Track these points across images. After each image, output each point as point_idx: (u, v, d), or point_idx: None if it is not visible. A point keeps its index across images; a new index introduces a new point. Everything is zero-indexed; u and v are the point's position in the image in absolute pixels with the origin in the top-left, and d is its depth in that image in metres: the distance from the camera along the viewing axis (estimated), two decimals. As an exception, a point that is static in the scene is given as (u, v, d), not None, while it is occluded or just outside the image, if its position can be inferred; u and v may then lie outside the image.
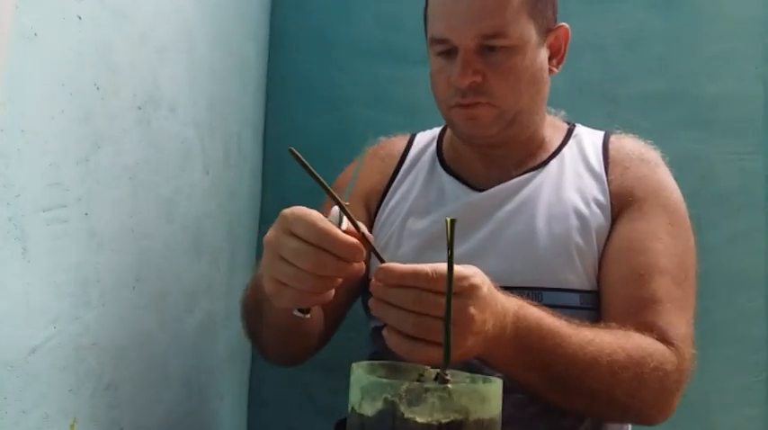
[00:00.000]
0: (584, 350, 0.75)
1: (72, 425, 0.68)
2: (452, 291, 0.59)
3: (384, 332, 0.64)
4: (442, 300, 0.59)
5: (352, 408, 0.56)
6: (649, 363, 0.78)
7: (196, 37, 1.00)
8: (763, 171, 1.35)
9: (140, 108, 0.81)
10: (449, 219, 0.58)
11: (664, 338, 0.82)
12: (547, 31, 0.93)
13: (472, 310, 0.64)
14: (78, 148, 0.67)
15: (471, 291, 0.64)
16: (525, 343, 0.72)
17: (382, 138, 1.10)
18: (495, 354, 0.71)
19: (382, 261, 0.64)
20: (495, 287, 0.70)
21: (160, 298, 0.91)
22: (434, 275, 0.62)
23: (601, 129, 1.03)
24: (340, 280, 0.66)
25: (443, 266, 0.60)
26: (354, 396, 0.56)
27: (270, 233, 0.66)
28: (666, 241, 0.89)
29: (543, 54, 0.93)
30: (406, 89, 1.38)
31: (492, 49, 0.88)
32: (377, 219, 1.01)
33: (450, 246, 0.58)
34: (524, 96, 0.91)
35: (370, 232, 0.98)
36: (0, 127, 0.55)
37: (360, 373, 0.56)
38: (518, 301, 0.74)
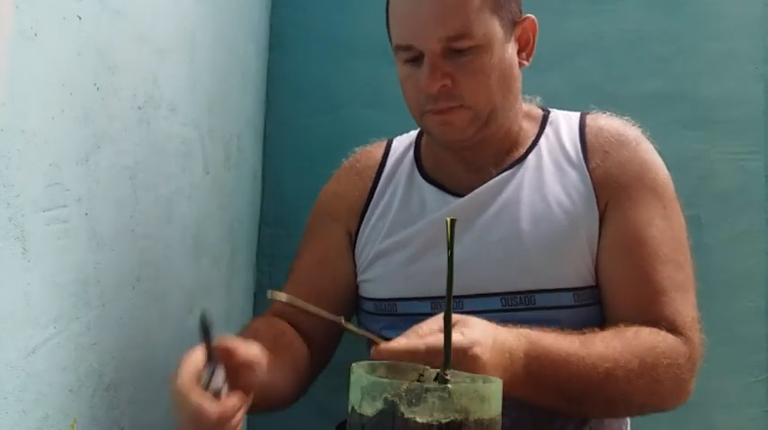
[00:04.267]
0: (598, 368, 0.76)
1: (72, 426, 0.68)
2: (451, 366, 0.59)
3: None
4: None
5: (353, 408, 0.56)
6: (663, 363, 0.79)
7: (196, 37, 1.00)
8: (764, 171, 1.35)
9: (140, 108, 0.81)
10: (449, 220, 0.58)
11: (673, 328, 0.82)
12: (513, 24, 0.90)
13: (476, 351, 0.65)
14: (78, 148, 0.67)
15: (473, 363, 0.65)
16: (540, 379, 0.74)
17: (358, 150, 1.06)
18: (512, 395, 0.69)
19: (377, 343, 0.67)
20: (497, 328, 0.71)
21: (160, 298, 0.91)
22: (431, 352, 0.63)
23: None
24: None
25: (438, 341, 0.61)
26: (354, 396, 0.56)
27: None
28: (661, 226, 0.88)
29: (511, 49, 0.91)
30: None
31: (458, 51, 0.86)
32: (358, 238, 0.99)
33: (451, 247, 0.58)
34: (496, 94, 0.89)
35: (353, 252, 0.99)
36: (0, 127, 0.55)
37: (360, 373, 0.56)
38: (526, 338, 0.74)
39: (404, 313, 0.92)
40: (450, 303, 0.58)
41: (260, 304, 1.45)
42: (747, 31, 1.38)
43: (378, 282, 0.95)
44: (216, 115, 1.11)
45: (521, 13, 0.93)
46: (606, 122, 0.95)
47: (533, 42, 0.94)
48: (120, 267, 0.78)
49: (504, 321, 0.75)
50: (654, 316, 0.83)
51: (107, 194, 0.74)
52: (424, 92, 0.87)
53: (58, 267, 0.65)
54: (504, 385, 0.66)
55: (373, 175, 1.02)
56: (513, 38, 0.91)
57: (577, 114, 0.97)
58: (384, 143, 1.06)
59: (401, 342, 0.66)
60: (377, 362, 0.62)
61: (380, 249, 0.95)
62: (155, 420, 0.90)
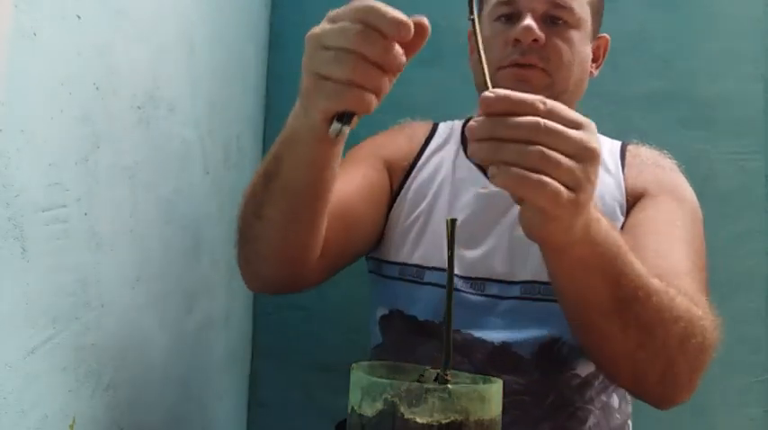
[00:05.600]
0: (650, 278, 0.70)
1: (71, 426, 0.68)
2: (569, 124, 0.55)
3: (491, 171, 0.56)
4: (569, 132, 0.54)
5: (353, 409, 0.56)
6: (696, 313, 0.73)
7: (196, 37, 1.00)
8: (764, 171, 1.35)
9: (140, 108, 0.81)
10: (449, 220, 0.58)
11: (697, 303, 0.76)
12: (595, 32, 0.98)
13: (595, 145, 0.57)
14: (78, 148, 0.67)
15: (591, 127, 0.58)
16: (605, 241, 0.66)
17: (407, 119, 1.09)
18: (581, 250, 0.65)
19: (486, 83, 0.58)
20: None
21: (160, 298, 0.91)
22: (550, 104, 0.55)
23: (602, 129, 1.02)
24: (385, 78, 0.57)
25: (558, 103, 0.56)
26: (354, 396, 0.56)
27: (313, 29, 0.59)
28: (683, 229, 0.87)
29: (589, 50, 0.97)
30: (405, 89, 1.37)
31: (555, 21, 0.92)
32: (401, 194, 0.98)
33: (451, 247, 0.58)
34: (573, 76, 0.93)
35: (393, 204, 0.97)
36: (0, 127, 0.55)
37: (360, 374, 0.56)
38: (611, 222, 0.69)
39: (429, 282, 0.92)
40: (450, 304, 0.58)
41: (260, 304, 1.45)
42: (747, 31, 1.38)
43: (410, 244, 0.95)
44: (216, 115, 1.11)
45: (599, 31, 1.01)
46: (646, 150, 1.00)
47: (602, 60, 1.03)
48: (120, 267, 0.78)
49: (521, 311, 0.73)
50: (678, 287, 0.76)
51: (106, 194, 0.74)
52: (514, 44, 0.90)
53: (58, 267, 0.65)
54: (587, 222, 0.61)
55: (418, 147, 1.03)
56: (592, 45, 0.98)
57: (619, 141, 1.02)
58: (430, 123, 1.08)
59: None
60: (377, 362, 0.62)
61: (419, 213, 0.96)
62: (155, 420, 0.90)
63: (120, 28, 0.75)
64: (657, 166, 0.96)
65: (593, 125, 0.58)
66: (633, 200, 0.93)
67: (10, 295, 0.57)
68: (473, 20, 0.60)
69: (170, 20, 0.91)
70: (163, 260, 0.91)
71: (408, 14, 0.57)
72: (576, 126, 0.56)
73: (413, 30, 0.55)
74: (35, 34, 0.59)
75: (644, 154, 0.99)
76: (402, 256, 0.96)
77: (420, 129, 1.06)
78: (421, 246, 0.94)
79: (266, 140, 1.45)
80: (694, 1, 1.39)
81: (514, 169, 0.54)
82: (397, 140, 1.03)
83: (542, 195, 0.55)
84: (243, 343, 1.40)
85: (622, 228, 0.90)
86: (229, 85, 1.20)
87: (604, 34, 1.02)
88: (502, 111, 0.55)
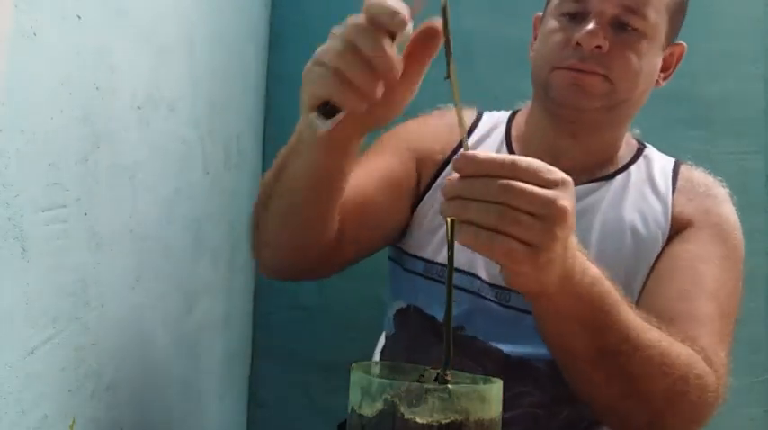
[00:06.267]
0: (640, 332, 0.70)
1: (71, 426, 0.68)
2: (540, 183, 0.56)
3: (457, 228, 0.58)
4: (534, 191, 0.55)
5: (353, 409, 0.56)
6: (694, 370, 0.73)
7: (196, 37, 1.00)
8: (764, 170, 1.35)
9: (140, 108, 0.81)
10: (449, 220, 0.58)
11: (706, 358, 0.76)
12: (669, 40, 0.91)
13: (565, 203, 0.57)
14: (78, 148, 0.67)
15: (566, 186, 0.58)
16: (590, 295, 0.67)
17: (449, 105, 1.01)
18: (559, 300, 0.65)
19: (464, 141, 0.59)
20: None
21: (160, 298, 0.91)
22: (524, 164, 0.56)
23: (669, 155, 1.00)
24: (373, 79, 0.57)
25: (534, 160, 0.57)
26: (354, 396, 0.56)
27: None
28: (718, 270, 0.85)
29: (659, 60, 0.91)
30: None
31: (624, 27, 0.85)
32: (433, 188, 0.94)
33: (451, 247, 0.58)
34: (638, 88, 0.87)
35: (423, 197, 0.92)
36: (0, 127, 0.55)
37: (360, 374, 0.56)
38: (600, 271, 0.69)
39: (454, 285, 0.90)
40: (450, 303, 0.58)
41: (260, 304, 1.45)
42: (747, 31, 1.38)
43: (437, 243, 0.91)
44: (216, 115, 1.11)
45: (677, 37, 0.93)
46: (699, 175, 0.96)
47: (673, 70, 0.95)
48: (120, 267, 0.78)
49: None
50: (689, 337, 0.77)
51: (106, 194, 0.74)
52: (575, 47, 0.84)
53: (58, 267, 0.65)
54: (564, 272, 0.62)
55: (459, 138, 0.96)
56: (664, 53, 0.91)
57: (672, 159, 0.98)
58: (475, 112, 1.02)
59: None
60: (377, 362, 0.62)
61: None
62: (155, 420, 0.90)
63: (120, 28, 0.75)
64: (708, 196, 0.92)
65: (569, 184, 0.59)
66: (677, 228, 0.89)
67: (10, 295, 0.57)
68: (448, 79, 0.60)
69: (170, 20, 0.91)
70: (163, 260, 0.91)
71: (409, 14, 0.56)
72: (549, 185, 0.57)
73: (408, 21, 0.55)
74: (35, 34, 0.59)
75: (697, 179, 0.94)
76: (428, 253, 0.92)
77: (465, 117, 1.02)
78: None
79: (266, 140, 1.45)
80: (694, 1, 1.38)
81: (472, 227, 0.56)
82: (435, 129, 0.97)
83: (497, 252, 0.57)
84: (243, 343, 1.40)
85: (659, 256, 0.87)
86: (229, 85, 1.20)
87: (681, 42, 0.94)
88: (472, 173, 0.57)
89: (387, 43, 0.55)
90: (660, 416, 0.74)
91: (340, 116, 0.59)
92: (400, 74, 0.57)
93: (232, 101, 1.22)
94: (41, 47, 0.60)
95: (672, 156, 0.99)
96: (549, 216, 0.56)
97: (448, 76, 0.58)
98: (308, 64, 0.60)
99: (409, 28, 0.56)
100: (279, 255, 0.85)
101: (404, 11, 0.55)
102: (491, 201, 0.56)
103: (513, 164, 0.56)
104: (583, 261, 0.66)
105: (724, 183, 0.95)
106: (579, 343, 0.70)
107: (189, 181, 1.00)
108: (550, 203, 0.56)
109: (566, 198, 0.57)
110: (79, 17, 0.66)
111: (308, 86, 0.60)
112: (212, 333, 1.15)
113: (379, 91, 0.57)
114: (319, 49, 0.59)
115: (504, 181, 0.56)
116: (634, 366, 0.70)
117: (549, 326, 0.71)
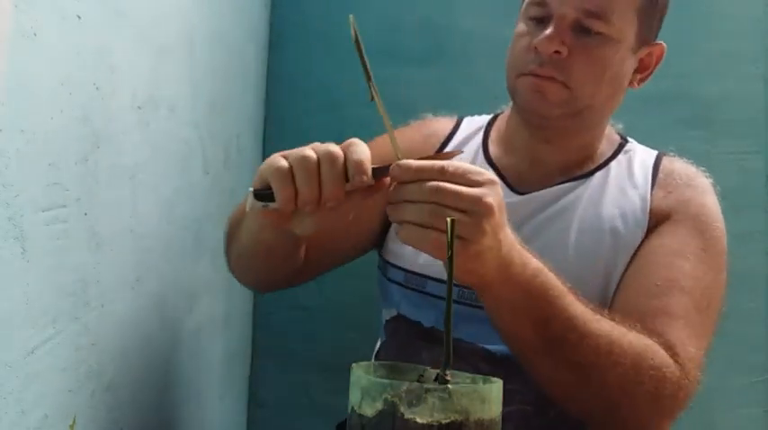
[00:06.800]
0: (587, 321, 0.72)
1: (71, 426, 0.68)
2: (468, 183, 0.61)
3: (398, 228, 0.64)
4: (461, 190, 0.61)
5: (353, 409, 0.56)
6: (648, 360, 0.74)
7: (196, 37, 1.00)
8: (764, 171, 1.35)
9: (140, 108, 0.81)
10: (449, 220, 0.58)
11: (671, 351, 0.76)
12: (644, 42, 0.89)
13: (491, 200, 0.62)
14: (78, 148, 0.67)
15: (493, 185, 0.63)
16: (531, 286, 0.69)
17: (428, 116, 1.05)
18: (500, 290, 0.69)
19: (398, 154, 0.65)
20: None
21: (160, 298, 0.91)
22: (452, 168, 0.62)
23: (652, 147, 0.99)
24: (316, 189, 0.63)
25: (463, 163, 0.62)
26: (354, 396, 0.56)
27: None
28: (694, 264, 0.84)
29: (632, 62, 0.89)
30: (406, 89, 1.38)
31: (587, 31, 0.83)
32: None
33: (451, 247, 0.58)
34: (602, 93, 0.86)
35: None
36: (0, 127, 0.55)
37: (360, 374, 0.56)
38: (542, 261, 0.71)
39: (431, 293, 0.91)
40: (449, 303, 0.58)
41: (260, 304, 1.45)
42: (747, 31, 1.38)
43: (412, 251, 0.90)
44: (216, 115, 1.11)
45: (656, 37, 0.92)
46: (680, 166, 0.95)
47: (652, 70, 0.93)
48: (120, 267, 0.78)
49: None
50: (655, 331, 0.77)
51: (106, 194, 0.74)
52: (536, 52, 0.84)
53: (58, 267, 0.65)
54: (501, 265, 0.66)
55: (438, 145, 0.99)
56: (638, 54, 0.89)
57: (655, 152, 0.97)
58: (454, 119, 1.03)
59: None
60: (377, 362, 0.62)
61: None
62: (155, 420, 0.90)
63: (120, 28, 0.75)
64: (689, 186, 0.91)
65: (496, 183, 0.64)
66: (656, 221, 0.88)
67: (10, 295, 0.57)
68: (371, 86, 0.67)
69: (170, 20, 0.91)
70: (163, 260, 0.91)
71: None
72: (476, 185, 0.62)
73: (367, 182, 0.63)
74: (35, 34, 0.59)
75: (678, 170, 0.93)
76: (407, 263, 0.93)
77: (441, 126, 1.02)
78: (422, 253, 0.92)
79: (266, 140, 1.45)
80: (694, 1, 1.39)
81: (410, 225, 0.63)
82: (411, 143, 0.97)
83: (427, 245, 0.62)
84: (243, 343, 1.40)
85: (637, 250, 0.87)
86: (229, 85, 1.20)
87: (659, 42, 0.92)
88: (408, 179, 0.63)
89: (343, 181, 0.63)
90: (617, 405, 0.75)
91: (271, 206, 0.65)
92: (338, 208, 0.64)
93: (232, 101, 1.22)
94: (41, 47, 0.60)
95: (706, 171, 0.97)
96: (477, 211, 0.62)
97: (372, 99, 0.67)
98: (279, 153, 0.66)
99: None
100: (246, 281, 0.94)
101: (369, 176, 0.63)
102: (424, 201, 0.61)
103: (443, 168, 0.62)
104: (523, 254, 0.70)
105: (707, 174, 0.95)
106: (526, 333, 0.72)
107: (189, 181, 1.00)
108: (477, 200, 0.61)
109: (491, 195, 0.62)
110: (79, 17, 0.66)
111: (264, 168, 0.65)
112: (212, 333, 1.15)
113: (313, 210, 0.64)
114: (296, 149, 0.65)
115: (434, 183, 0.61)
116: (581, 355, 0.72)
117: (497, 317, 0.73)
